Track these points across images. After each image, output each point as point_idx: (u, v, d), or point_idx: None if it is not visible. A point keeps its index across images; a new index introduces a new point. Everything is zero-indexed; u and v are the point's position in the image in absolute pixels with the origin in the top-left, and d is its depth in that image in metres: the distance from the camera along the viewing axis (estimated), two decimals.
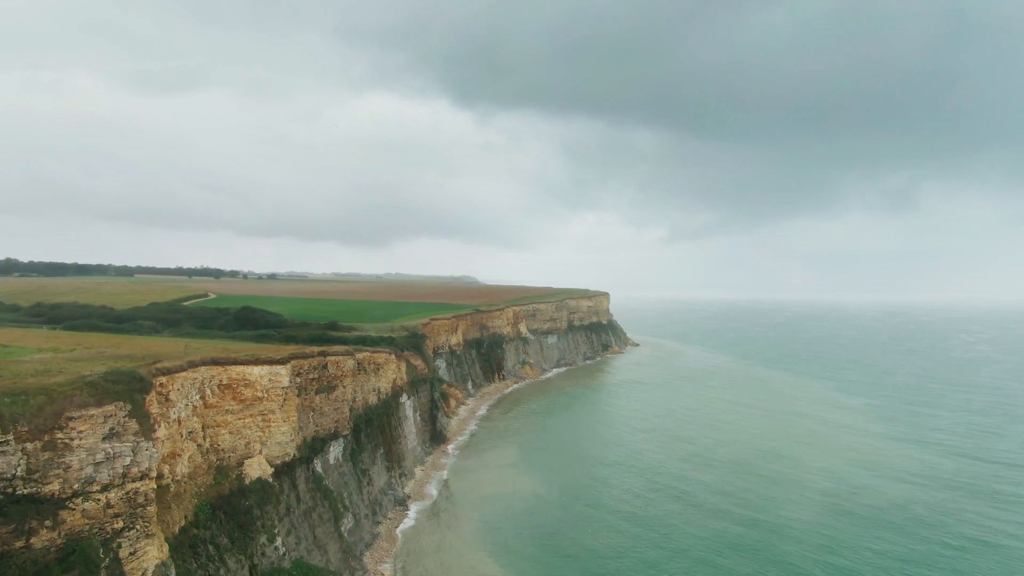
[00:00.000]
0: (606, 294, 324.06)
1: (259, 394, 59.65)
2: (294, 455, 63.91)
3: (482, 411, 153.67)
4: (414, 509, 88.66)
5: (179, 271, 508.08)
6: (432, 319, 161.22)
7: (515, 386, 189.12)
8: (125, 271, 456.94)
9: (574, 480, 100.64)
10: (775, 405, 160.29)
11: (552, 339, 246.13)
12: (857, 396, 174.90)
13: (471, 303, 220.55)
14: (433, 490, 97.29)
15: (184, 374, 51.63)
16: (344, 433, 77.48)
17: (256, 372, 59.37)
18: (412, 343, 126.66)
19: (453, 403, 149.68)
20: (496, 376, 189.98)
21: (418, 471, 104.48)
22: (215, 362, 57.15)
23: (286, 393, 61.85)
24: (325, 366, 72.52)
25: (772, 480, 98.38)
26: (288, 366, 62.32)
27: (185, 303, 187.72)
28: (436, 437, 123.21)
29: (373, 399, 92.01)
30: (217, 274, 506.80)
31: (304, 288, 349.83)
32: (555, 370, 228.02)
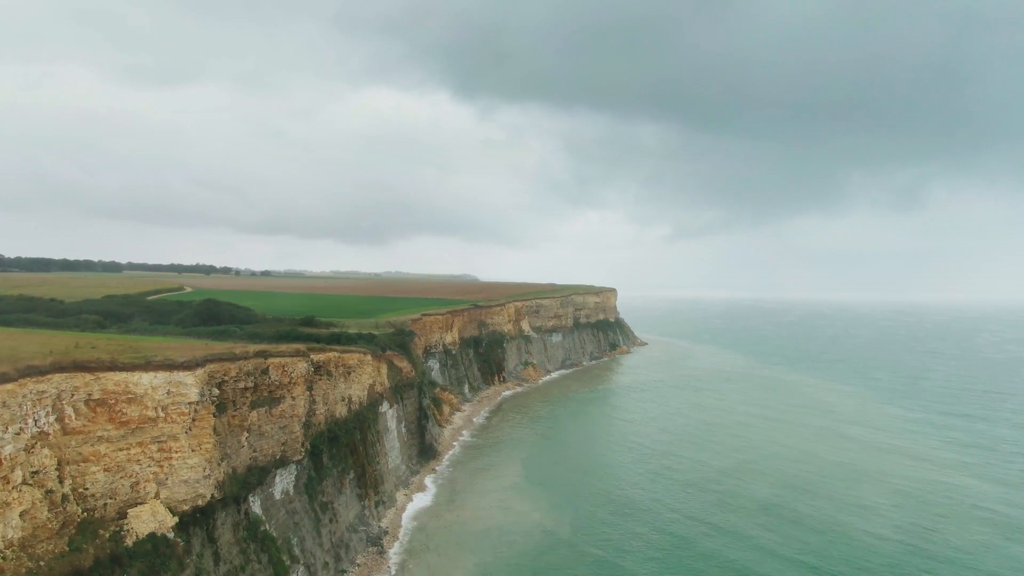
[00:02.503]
0: (613, 290, 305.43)
1: (151, 413, 41.42)
2: (212, 496, 45.66)
3: (480, 419, 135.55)
4: (393, 551, 70.43)
5: (172, 267, 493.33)
6: (423, 315, 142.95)
7: (517, 389, 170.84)
8: (113, 267, 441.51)
9: (587, 512, 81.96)
10: (809, 418, 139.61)
11: (557, 337, 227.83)
12: (896, 404, 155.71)
13: (469, 299, 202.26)
14: (418, 522, 79.11)
15: (8, 387, 33.46)
16: (296, 458, 59.28)
17: (146, 381, 41.12)
18: (397, 341, 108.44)
19: (447, 410, 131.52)
20: (496, 378, 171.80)
21: (400, 496, 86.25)
22: (80, 367, 39.00)
23: (195, 410, 43.57)
24: (265, 371, 54.25)
25: (823, 523, 77.41)
26: (199, 372, 44.02)
27: (151, 297, 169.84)
28: (425, 451, 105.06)
29: (341, 410, 73.78)
30: (208, 270, 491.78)
31: (295, 284, 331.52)
32: (560, 371, 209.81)
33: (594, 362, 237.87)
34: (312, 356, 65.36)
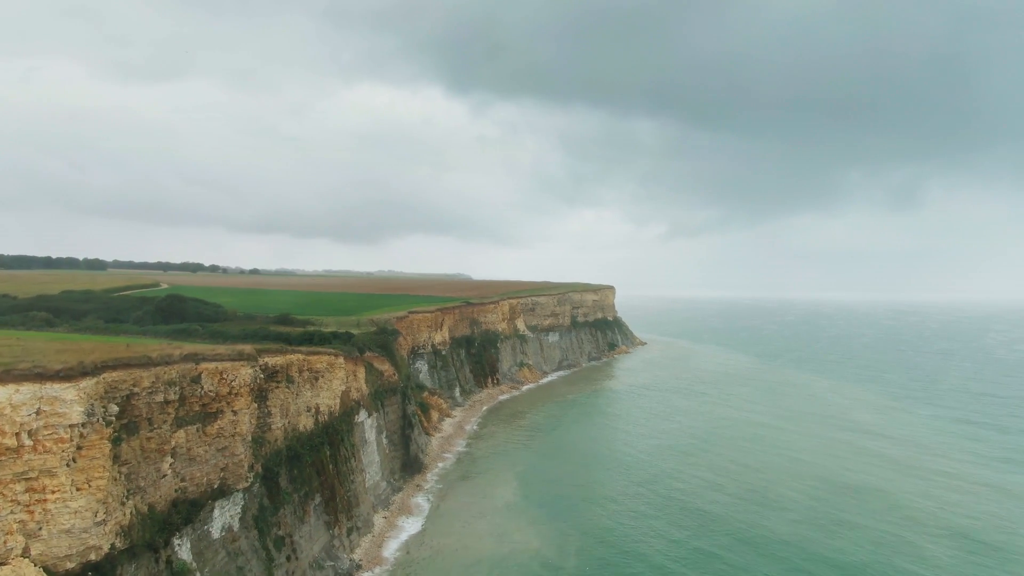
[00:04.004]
0: (611, 288, 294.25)
1: (11, 440, 30.21)
2: (113, 546, 34.56)
3: (472, 426, 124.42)
4: None
5: (158, 265, 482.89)
6: (411, 312, 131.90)
7: (512, 393, 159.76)
8: (97, 264, 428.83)
9: (592, 539, 71.06)
10: (826, 429, 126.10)
11: (553, 337, 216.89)
12: (917, 411, 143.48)
13: (461, 296, 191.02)
14: (398, 552, 68.07)
15: None
16: (241, 485, 48.10)
17: (2, 398, 29.95)
18: (379, 341, 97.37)
19: (435, 416, 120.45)
20: (489, 380, 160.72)
21: (379, 520, 75.13)
22: None
23: (80, 435, 32.45)
24: (197, 379, 43.07)
25: (870, 570, 66.36)
26: (86, 384, 32.86)
27: (120, 293, 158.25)
28: (410, 465, 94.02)
29: (306, 423, 62.67)
30: (196, 268, 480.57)
31: (282, 282, 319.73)
32: (558, 373, 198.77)
33: (593, 363, 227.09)
34: (266, 359, 54.24)
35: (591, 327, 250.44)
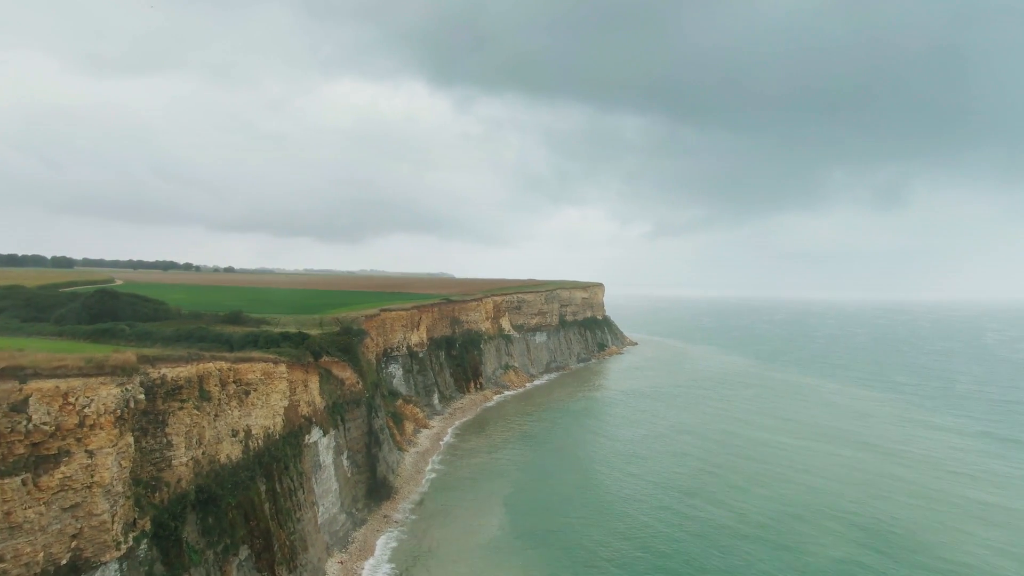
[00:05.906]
0: (600, 285, 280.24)
1: None
2: None
3: (452, 438, 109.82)
4: None
5: (130, 263, 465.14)
6: (382, 310, 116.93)
7: (496, 398, 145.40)
8: (64, 262, 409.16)
9: None
10: (847, 447, 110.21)
11: (541, 337, 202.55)
12: (940, 421, 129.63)
13: (441, 293, 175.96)
14: None
15: None
16: (111, 555, 33.36)
17: None
18: (340, 343, 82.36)
19: (410, 428, 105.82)
20: (472, 385, 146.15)
21: (333, 567, 60.41)
22: None
23: None
24: (20, 407, 28.34)
25: None
26: None
27: (61, 290, 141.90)
28: (377, 489, 79.27)
29: (232, 452, 47.88)
30: (168, 266, 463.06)
31: (252, 279, 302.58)
32: (546, 376, 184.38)
33: (582, 364, 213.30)
34: (162, 370, 39.52)
35: (580, 326, 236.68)
